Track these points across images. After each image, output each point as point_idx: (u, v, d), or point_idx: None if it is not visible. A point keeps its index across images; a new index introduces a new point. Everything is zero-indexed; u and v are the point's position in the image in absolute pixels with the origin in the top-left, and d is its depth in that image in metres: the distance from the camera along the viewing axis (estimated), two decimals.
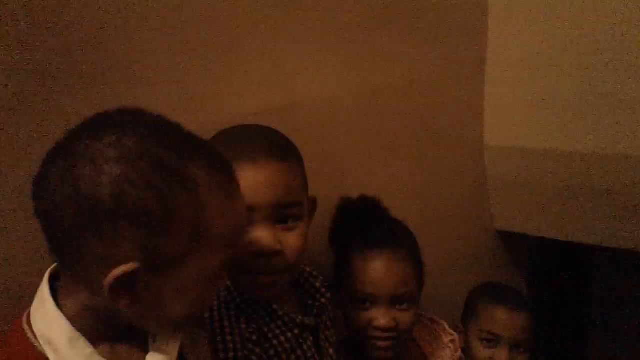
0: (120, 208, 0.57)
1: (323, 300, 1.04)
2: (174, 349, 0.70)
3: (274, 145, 0.92)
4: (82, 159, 0.58)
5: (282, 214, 0.90)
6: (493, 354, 1.38)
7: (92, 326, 0.64)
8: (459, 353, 1.26)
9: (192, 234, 0.61)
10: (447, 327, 1.28)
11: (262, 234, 0.88)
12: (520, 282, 1.95)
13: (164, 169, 0.59)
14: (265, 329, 0.92)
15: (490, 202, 1.75)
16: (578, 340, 2.47)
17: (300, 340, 0.95)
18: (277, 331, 0.93)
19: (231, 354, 0.87)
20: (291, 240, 0.91)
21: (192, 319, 0.69)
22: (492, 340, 1.38)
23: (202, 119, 1.01)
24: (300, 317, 0.96)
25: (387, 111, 1.40)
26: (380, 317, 1.11)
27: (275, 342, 0.92)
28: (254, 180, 0.87)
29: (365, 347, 1.15)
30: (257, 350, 0.89)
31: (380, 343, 1.12)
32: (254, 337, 0.90)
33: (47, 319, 0.64)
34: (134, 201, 0.58)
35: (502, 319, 1.39)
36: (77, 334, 0.63)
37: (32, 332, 0.64)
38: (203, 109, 1.02)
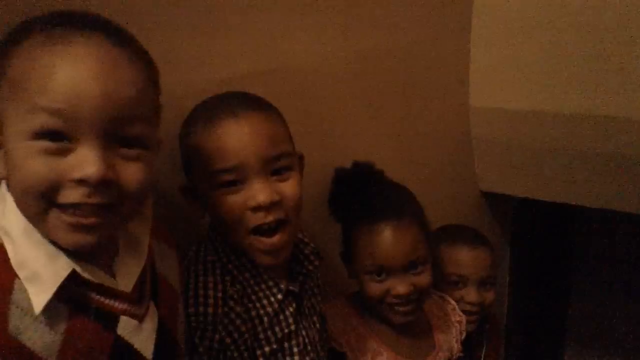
0: None
1: (310, 267, 1.04)
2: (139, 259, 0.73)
3: (251, 99, 0.94)
4: None
5: (273, 167, 0.90)
6: (463, 294, 1.40)
7: None
8: (464, 334, 1.27)
9: (8, 86, 0.62)
10: (456, 307, 1.30)
11: (258, 187, 0.88)
12: (504, 243, 1.98)
13: (17, 30, 0.64)
14: (249, 291, 0.93)
15: (475, 163, 1.76)
16: (561, 300, 2.52)
17: (283, 306, 0.96)
18: (261, 294, 0.94)
19: (210, 309, 0.87)
20: (287, 189, 0.91)
21: (32, 200, 0.62)
22: (460, 282, 1.40)
23: (187, 82, 1.00)
24: (284, 283, 0.96)
25: (372, 74, 1.39)
26: (398, 285, 1.10)
27: (258, 304, 0.92)
28: (239, 134, 0.87)
29: (385, 314, 1.15)
30: (238, 309, 0.89)
31: (402, 308, 1.13)
32: (236, 296, 0.90)
33: (5, 212, 0.64)
34: None
35: (466, 260, 1.40)
36: (31, 226, 0.64)
37: None
38: (187, 72, 1.01)
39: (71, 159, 0.60)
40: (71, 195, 0.61)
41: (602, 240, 2.38)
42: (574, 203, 1.65)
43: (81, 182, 0.60)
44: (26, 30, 0.63)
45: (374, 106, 1.41)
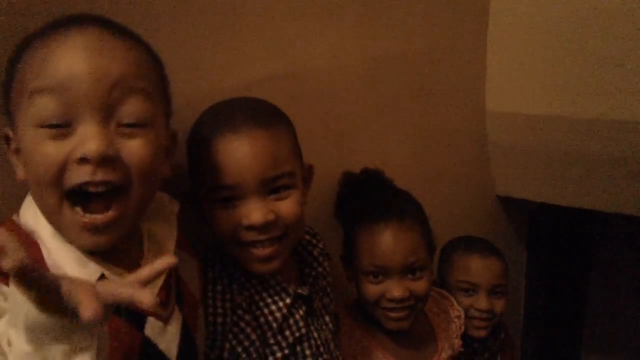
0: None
1: (320, 269, 1.04)
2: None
3: (258, 113, 0.90)
4: None
5: (271, 186, 0.88)
6: (473, 302, 1.40)
7: None
8: (463, 329, 1.28)
9: (19, 90, 0.64)
10: (455, 302, 1.31)
11: (252, 207, 0.86)
12: (521, 247, 1.97)
13: (22, 42, 0.66)
14: (257, 297, 0.92)
15: (491, 167, 1.75)
16: (578, 305, 2.50)
17: (293, 310, 0.95)
18: (269, 300, 0.93)
19: (219, 319, 0.87)
20: (284, 208, 0.88)
21: (46, 190, 0.64)
22: (470, 289, 1.41)
23: (204, 87, 1.01)
24: (292, 287, 0.96)
25: (388, 78, 1.39)
26: (393, 288, 1.10)
27: (266, 310, 0.92)
28: (239, 153, 0.85)
29: (379, 318, 1.14)
30: (247, 317, 0.89)
31: (393, 314, 1.12)
32: (245, 305, 0.90)
33: (36, 215, 0.66)
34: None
35: (477, 267, 1.41)
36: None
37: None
38: (204, 77, 1.02)
39: (73, 139, 0.62)
40: (76, 175, 0.62)
41: (619, 246, 2.35)
42: (591, 208, 1.64)
43: (83, 160, 0.61)
44: (26, 43, 0.66)
45: (389, 110, 1.42)
